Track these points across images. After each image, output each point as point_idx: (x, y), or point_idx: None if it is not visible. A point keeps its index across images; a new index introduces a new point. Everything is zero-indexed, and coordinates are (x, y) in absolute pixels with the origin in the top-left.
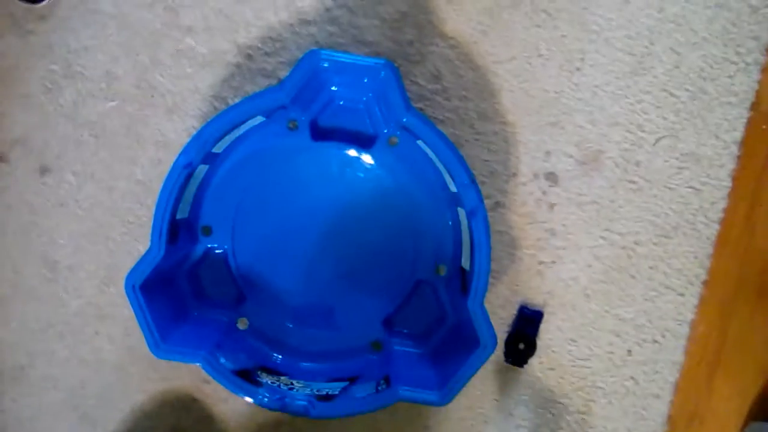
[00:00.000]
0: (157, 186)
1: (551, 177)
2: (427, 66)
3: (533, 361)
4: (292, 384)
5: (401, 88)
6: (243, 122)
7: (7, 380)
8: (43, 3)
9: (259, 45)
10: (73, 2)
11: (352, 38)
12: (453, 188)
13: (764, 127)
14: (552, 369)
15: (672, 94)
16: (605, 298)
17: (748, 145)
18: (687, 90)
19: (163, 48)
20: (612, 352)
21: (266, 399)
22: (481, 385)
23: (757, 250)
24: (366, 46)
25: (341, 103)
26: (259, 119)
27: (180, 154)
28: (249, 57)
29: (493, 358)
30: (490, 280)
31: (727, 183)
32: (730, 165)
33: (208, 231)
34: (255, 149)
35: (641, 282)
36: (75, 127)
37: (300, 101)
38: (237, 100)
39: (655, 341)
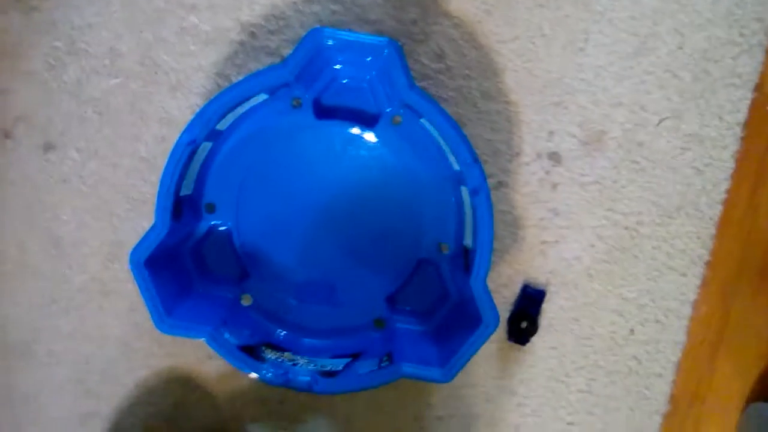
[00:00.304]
0: (161, 163)
1: (554, 157)
2: (431, 45)
3: (536, 340)
4: (295, 360)
5: (405, 67)
6: (246, 100)
7: (12, 356)
8: None
9: (263, 23)
10: None
11: (355, 17)
12: (456, 167)
13: None
14: (554, 348)
15: (675, 75)
16: (608, 278)
17: (752, 126)
18: (690, 71)
19: (167, 25)
20: (614, 332)
21: (270, 374)
22: (484, 363)
23: (760, 231)
24: (369, 25)
25: (344, 81)
26: (263, 97)
27: (183, 131)
28: (252, 35)
29: (495, 336)
30: (493, 259)
31: (731, 164)
32: (734, 146)
33: (211, 208)
34: (258, 127)
35: (644, 262)
36: (79, 104)
37: (303, 79)
38: (240, 78)
39: (658, 321)
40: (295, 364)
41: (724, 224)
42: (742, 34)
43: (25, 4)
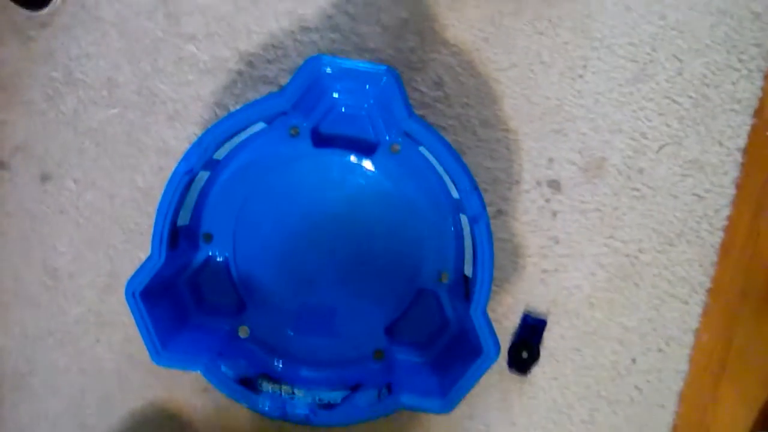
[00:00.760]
0: (159, 193)
1: (554, 184)
2: (429, 73)
3: (536, 370)
4: (293, 392)
5: (403, 94)
6: (244, 128)
7: (7, 388)
8: (45, 10)
9: (261, 52)
10: (75, 9)
11: (353, 45)
12: (455, 195)
13: None
14: (555, 378)
15: (675, 101)
16: (609, 307)
17: (752, 152)
18: (690, 97)
19: (165, 55)
20: (616, 361)
21: (267, 407)
22: (484, 394)
23: (761, 258)
24: (368, 53)
25: (343, 109)
26: (261, 126)
27: (181, 161)
28: (250, 64)
29: (496, 366)
30: (493, 288)
31: (731, 190)
32: (734, 172)
33: (208, 238)
34: (256, 156)
35: (645, 290)
36: (76, 135)
37: (301, 108)
38: (238, 107)
39: (660, 350)
40: (292, 397)
41: (725, 251)
42: (740, 60)
43: (22, 34)
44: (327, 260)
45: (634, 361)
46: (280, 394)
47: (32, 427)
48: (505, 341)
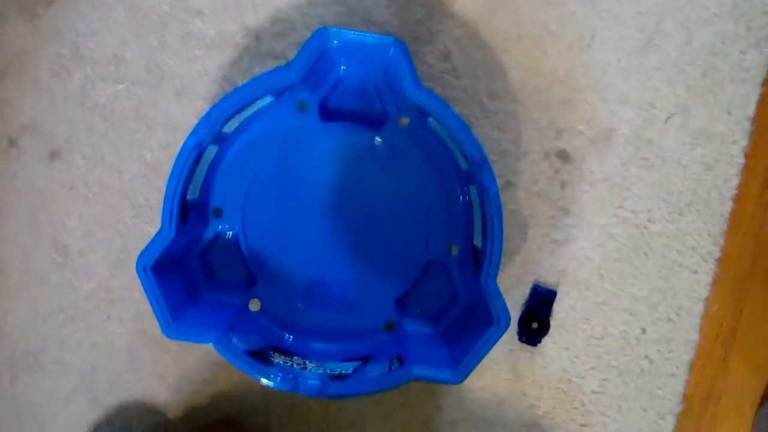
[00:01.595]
0: (167, 169)
1: (563, 155)
2: (437, 45)
3: (547, 341)
4: (304, 364)
5: (411, 66)
6: (252, 102)
7: (19, 366)
8: None
9: (267, 26)
10: None
11: (360, 18)
12: (464, 167)
13: None
14: (566, 348)
15: (683, 71)
16: (619, 277)
17: (761, 121)
18: (698, 66)
19: (172, 30)
20: (626, 331)
21: (279, 379)
22: (495, 365)
23: None
24: (374, 26)
25: (350, 83)
26: (269, 99)
27: (190, 134)
28: (257, 38)
29: (506, 337)
30: (503, 260)
31: (740, 159)
32: (743, 141)
33: (218, 213)
34: (264, 130)
35: (655, 260)
36: (84, 111)
37: (309, 81)
38: (246, 81)
39: (670, 320)
40: (304, 369)
41: (735, 220)
42: (749, 28)
43: (29, 12)
44: (336, 233)
45: (644, 331)
46: (292, 366)
47: (45, 404)
48: (515, 312)
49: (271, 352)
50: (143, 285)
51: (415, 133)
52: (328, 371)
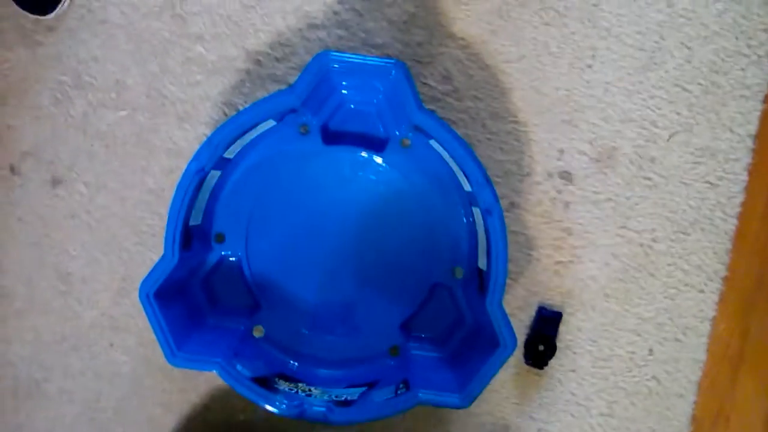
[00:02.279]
0: (170, 195)
1: (566, 175)
2: (437, 67)
3: (553, 363)
4: (310, 390)
5: (413, 87)
6: (254, 126)
7: (22, 395)
8: (51, 15)
9: (269, 50)
10: (81, 13)
11: (361, 41)
12: (467, 188)
13: None
14: (573, 370)
15: (684, 89)
16: (625, 297)
17: (763, 137)
18: (699, 84)
19: (172, 56)
20: (633, 352)
21: (284, 406)
22: (502, 389)
23: None
24: (375, 49)
25: (352, 106)
26: (271, 123)
27: (192, 159)
28: (258, 63)
29: (512, 360)
30: (508, 281)
31: (744, 177)
32: (746, 159)
33: (221, 238)
34: (267, 154)
35: (660, 279)
36: (86, 138)
37: (311, 105)
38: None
39: (677, 339)
40: (309, 395)
41: (740, 238)
42: (749, 45)
43: (30, 39)
44: (340, 257)
45: (651, 351)
46: (297, 393)
47: None
48: (520, 335)
49: (276, 379)
50: (146, 312)
51: (417, 155)
52: (334, 397)
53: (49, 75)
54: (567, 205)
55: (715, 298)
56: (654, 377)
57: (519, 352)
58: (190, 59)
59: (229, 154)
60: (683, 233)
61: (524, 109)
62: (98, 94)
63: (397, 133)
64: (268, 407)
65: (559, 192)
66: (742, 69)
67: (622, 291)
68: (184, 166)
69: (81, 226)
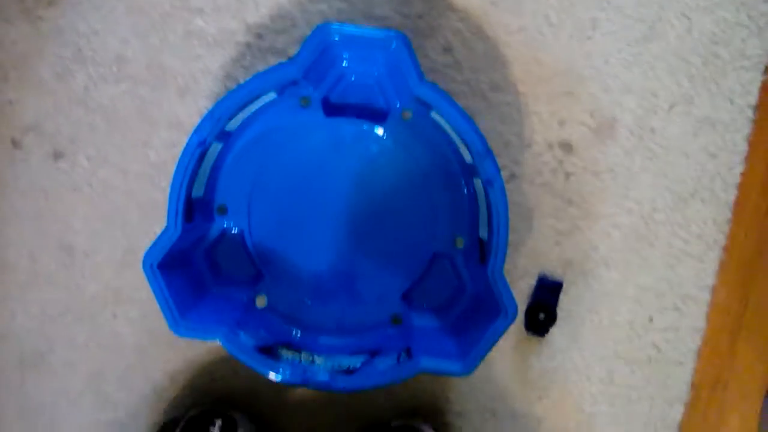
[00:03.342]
0: (171, 168)
1: (566, 146)
2: (438, 39)
3: (554, 331)
4: (313, 359)
5: (413, 59)
6: (255, 99)
7: (26, 367)
8: None
9: (269, 23)
10: None
11: (361, 13)
12: (468, 159)
13: None
14: (573, 339)
15: (685, 60)
16: (625, 267)
17: (763, 108)
18: (700, 55)
19: (173, 29)
20: (633, 321)
21: (288, 374)
22: (502, 357)
23: None
24: (376, 21)
25: (353, 78)
26: (272, 96)
27: (194, 132)
28: (259, 36)
29: (513, 329)
30: (509, 251)
31: (744, 147)
32: (746, 129)
33: (223, 210)
34: (268, 127)
35: (660, 249)
36: (87, 112)
37: (311, 77)
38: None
39: (677, 308)
40: (312, 363)
41: (739, 208)
42: (750, 16)
43: (30, 13)
44: (342, 228)
45: (651, 320)
46: (300, 362)
47: (53, 404)
48: (521, 304)
49: (280, 348)
50: (150, 283)
51: (418, 126)
52: (337, 365)
53: (49, 49)
54: (567, 175)
55: (715, 267)
56: (654, 345)
57: (520, 321)
58: (190, 32)
59: (231, 126)
60: (683, 203)
61: (525, 80)
62: (99, 68)
63: (398, 104)
64: (272, 376)
65: (560, 163)
66: (743, 40)
67: (623, 260)
68: (186, 140)
69: (83, 199)
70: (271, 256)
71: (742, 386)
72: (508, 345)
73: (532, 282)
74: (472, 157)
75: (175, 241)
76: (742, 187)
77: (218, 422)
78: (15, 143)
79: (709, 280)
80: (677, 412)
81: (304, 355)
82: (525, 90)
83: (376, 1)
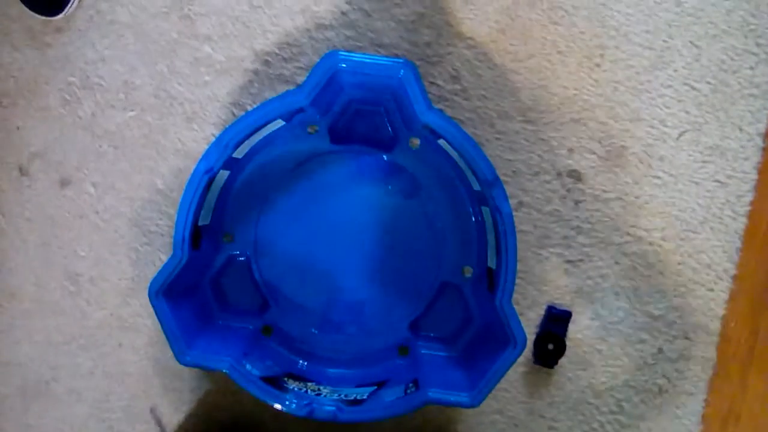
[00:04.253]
0: (178, 196)
1: (575, 174)
2: (446, 67)
3: (563, 362)
4: (319, 390)
5: (421, 87)
6: (263, 126)
7: (30, 395)
8: (60, 16)
9: (277, 51)
10: (90, 14)
11: (369, 41)
12: (476, 187)
13: None
14: (583, 369)
15: (693, 88)
16: (634, 296)
17: None
18: (708, 83)
19: (181, 57)
20: (643, 350)
21: (294, 405)
22: (511, 388)
23: None
24: (383, 49)
25: (360, 105)
26: (279, 124)
27: (201, 159)
28: (266, 63)
29: (522, 360)
30: (517, 280)
31: (753, 175)
32: (756, 157)
33: (230, 238)
34: (275, 154)
35: (670, 278)
36: (94, 139)
37: (319, 104)
38: (257, 105)
39: (687, 338)
40: (318, 394)
41: (749, 236)
42: (758, 44)
43: (38, 39)
44: (349, 257)
45: (660, 350)
46: (306, 392)
47: None
48: (530, 334)
49: (286, 378)
50: (156, 311)
51: (425, 154)
52: (343, 396)
53: (57, 76)
54: (576, 203)
55: (725, 296)
56: (664, 375)
57: (528, 352)
58: (198, 60)
59: (238, 154)
60: (693, 232)
61: (533, 108)
62: (106, 95)
63: (406, 132)
64: (278, 406)
65: (569, 191)
66: (751, 67)
67: (632, 289)
68: (193, 167)
69: (89, 226)
70: (278, 285)
71: (754, 417)
72: (517, 376)
73: (541, 312)
74: (480, 185)
75: (181, 268)
76: (753, 216)
77: None
78: (22, 170)
79: (720, 309)
80: None
81: (310, 386)
82: (533, 118)
83: (383, 30)
